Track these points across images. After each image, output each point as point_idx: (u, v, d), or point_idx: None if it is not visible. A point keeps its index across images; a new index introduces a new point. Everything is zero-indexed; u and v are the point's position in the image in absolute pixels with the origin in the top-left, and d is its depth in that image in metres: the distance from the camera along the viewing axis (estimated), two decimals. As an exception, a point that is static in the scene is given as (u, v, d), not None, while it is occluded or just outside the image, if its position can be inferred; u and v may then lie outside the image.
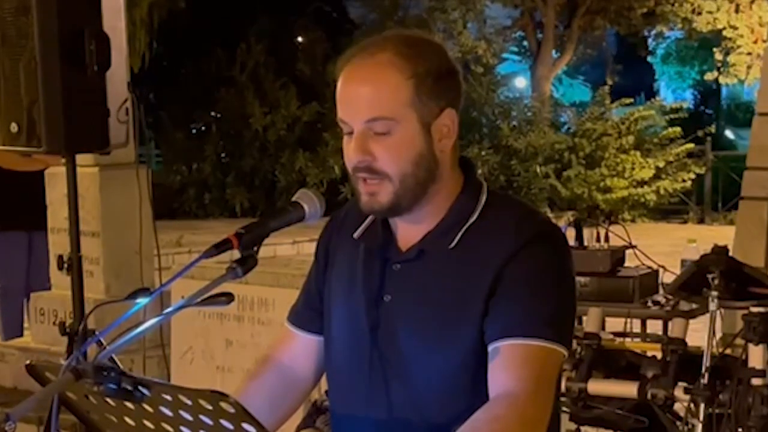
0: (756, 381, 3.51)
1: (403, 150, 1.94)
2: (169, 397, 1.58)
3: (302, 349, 2.17)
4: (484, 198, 2.03)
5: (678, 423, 3.72)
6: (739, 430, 3.52)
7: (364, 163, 1.94)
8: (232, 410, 1.49)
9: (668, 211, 17.35)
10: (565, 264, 2.00)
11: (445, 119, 1.97)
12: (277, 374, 2.15)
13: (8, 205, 6.21)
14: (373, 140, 1.94)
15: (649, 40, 22.88)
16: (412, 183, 1.95)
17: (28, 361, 1.81)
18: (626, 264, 4.61)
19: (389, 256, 2.03)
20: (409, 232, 2.03)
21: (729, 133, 24.61)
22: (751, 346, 3.55)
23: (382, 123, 1.93)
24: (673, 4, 18.76)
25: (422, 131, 1.95)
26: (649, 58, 24.20)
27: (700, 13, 18.40)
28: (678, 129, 17.01)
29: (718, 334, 3.95)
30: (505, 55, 20.93)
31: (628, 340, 4.30)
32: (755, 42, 17.97)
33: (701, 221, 16.99)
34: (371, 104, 1.93)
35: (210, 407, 1.52)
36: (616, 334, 4.32)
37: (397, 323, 1.99)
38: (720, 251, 3.64)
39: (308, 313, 2.17)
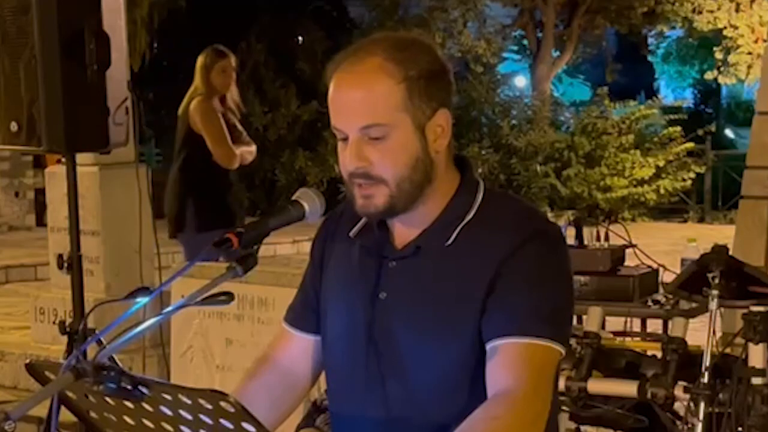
0: (756, 380, 3.51)
1: (400, 154, 1.94)
2: (168, 397, 1.58)
3: (300, 349, 2.17)
4: (480, 196, 2.03)
5: (678, 422, 3.72)
6: (740, 429, 3.52)
7: (361, 170, 1.95)
8: (232, 409, 1.49)
9: (668, 210, 17.34)
10: (562, 262, 2.00)
11: (439, 119, 1.98)
12: (275, 374, 2.15)
13: (216, 205, 6.20)
14: (369, 146, 1.94)
15: (650, 39, 22.85)
16: (408, 186, 1.96)
17: (28, 360, 1.81)
18: (626, 263, 4.61)
19: (385, 253, 2.03)
20: (405, 230, 2.03)
21: (729, 132, 24.59)
22: (751, 345, 3.54)
23: (376, 129, 1.93)
24: (673, 3, 18.74)
25: (417, 134, 1.95)
26: (650, 57, 24.18)
27: (700, 12, 18.38)
28: (678, 128, 16.99)
29: (718, 334, 3.94)
30: (505, 54, 20.90)
31: (628, 339, 4.30)
32: (756, 41, 17.95)
33: (701, 220, 16.98)
34: (365, 111, 1.93)
35: (210, 406, 1.52)
36: (616, 333, 4.32)
37: (393, 320, 1.99)
38: (720, 250, 3.64)
39: (305, 313, 2.17)
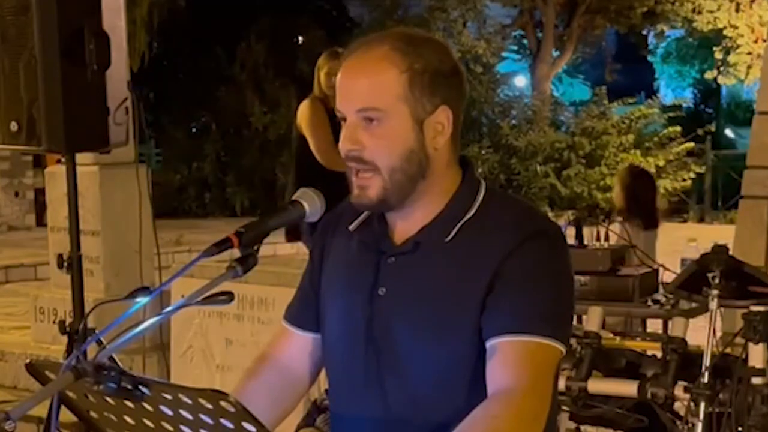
0: (756, 380, 3.51)
1: (393, 142, 1.95)
2: (169, 396, 1.58)
3: (300, 347, 2.17)
4: (481, 195, 2.03)
5: (678, 422, 3.72)
6: (740, 429, 3.52)
7: (353, 152, 1.96)
8: (232, 409, 1.49)
9: (668, 210, 17.34)
10: (563, 261, 2.00)
11: (440, 117, 1.98)
12: (275, 372, 2.15)
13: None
14: (364, 130, 1.96)
15: (650, 39, 22.85)
16: (402, 177, 1.96)
17: (28, 360, 1.81)
18: (626, 263, 4.61)
19: (384, 249, 2.04)
20: (404, 226, 2.03)
21: (729, 132, 24.59)
22: (751, 345, 3.54)
23: (372, 113, 1.95)
24: (673, 3, 18.75)
25: (414, 126, 1.96)
26: (649, 57, 24.18)
27: (700, 12, 18.39)
28: (678, 128, 17.01)
29: (718, 333, 3.94)
30: (504, 54, 20.91)
31: (628, 339, 4.30)
32: (755, 41, 17.95)
33: (701, 220, 16.99)
34: (363, 95, 1.95)
35: (210, 406, 1.52)
36: (616, 333, 4.32)
37: (392, 316, 1.99)
38: (720, 250, 3.64)
39: (304, 312, 2.17)
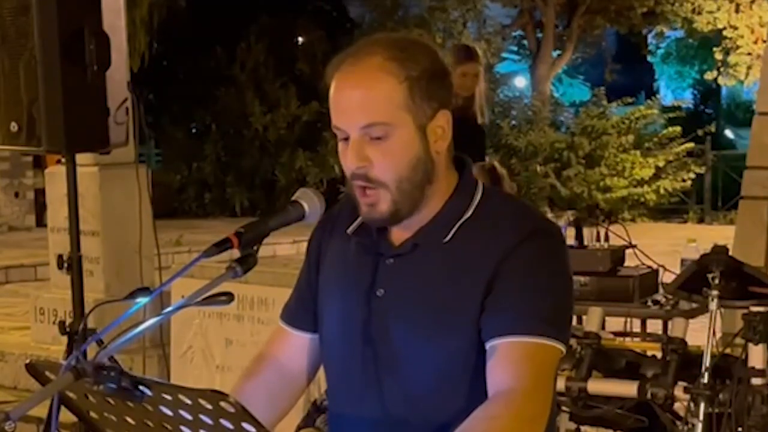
0: (756, 380, 3.52)
1: (401, 154, 1.94)
2: (169, 397, 1.58)
3: (297, 347, 2.17)
4: (478, 196, 2.03)
5: (678, 422, 3.72)
6: (739, 429, 3.52)
7: (361, 170, 1.94)
8: (231, 410, 1.49)
9: (668, 210, 17.35)
10: (561, 261, 2.00)
11: (440, 120, 1.97)
12: (273, 372, 2.15)
13: None
14: (370, 146, 1.93)
15: (650, 40, 22.87)
16: (409, 187, 1.95)
17: (28, 360, 1.81)
18: (626, 263, 4.61)
19: (382, 250, 2.03)
20: (402, 228, 2.02)
21: (729, 133, 24.61)
22: (751, 345, 3.55)
23: (378, 128, 1.92)
24: (673, 4, 18.75)
25: (418, 134, 1.95)
26: (649, 58, 24.19)
27: (700, 13, 18.39)
28: (678, 128, 17.01)
29: (718, 334, 3.94)
30: (504, 55, 20.92)
31: (628, 339, 4.30)
32: (755, 42, 17.96)
33: (701, 221, 16.99)
34: (366, 110, 1.92)
35: (210, 406, 1.52)
36: (616, 334, 4.32)
37: (390, 318, 1.99)
38: (720, 251, 3.64)
39: (301, 312, 2.17)
